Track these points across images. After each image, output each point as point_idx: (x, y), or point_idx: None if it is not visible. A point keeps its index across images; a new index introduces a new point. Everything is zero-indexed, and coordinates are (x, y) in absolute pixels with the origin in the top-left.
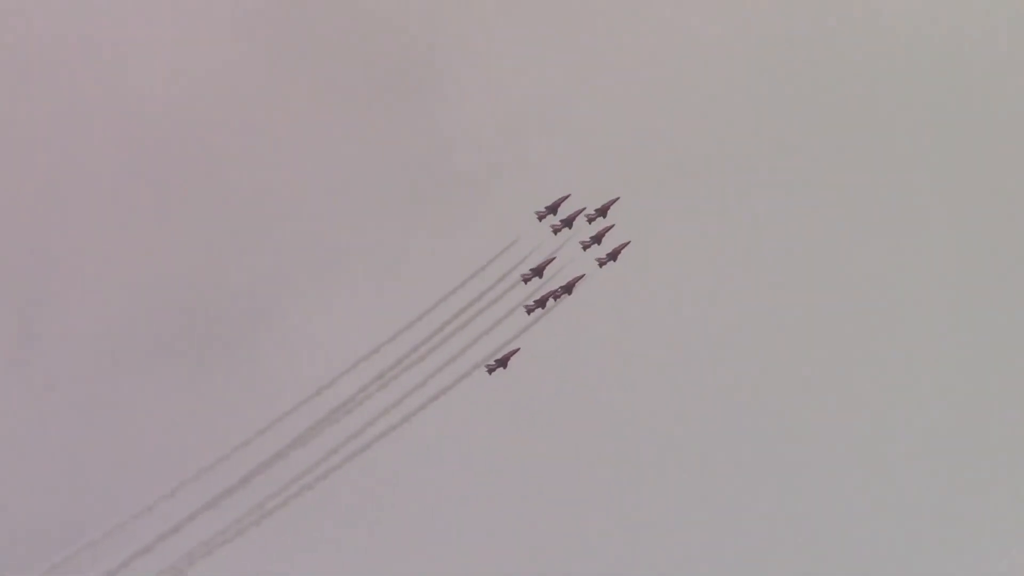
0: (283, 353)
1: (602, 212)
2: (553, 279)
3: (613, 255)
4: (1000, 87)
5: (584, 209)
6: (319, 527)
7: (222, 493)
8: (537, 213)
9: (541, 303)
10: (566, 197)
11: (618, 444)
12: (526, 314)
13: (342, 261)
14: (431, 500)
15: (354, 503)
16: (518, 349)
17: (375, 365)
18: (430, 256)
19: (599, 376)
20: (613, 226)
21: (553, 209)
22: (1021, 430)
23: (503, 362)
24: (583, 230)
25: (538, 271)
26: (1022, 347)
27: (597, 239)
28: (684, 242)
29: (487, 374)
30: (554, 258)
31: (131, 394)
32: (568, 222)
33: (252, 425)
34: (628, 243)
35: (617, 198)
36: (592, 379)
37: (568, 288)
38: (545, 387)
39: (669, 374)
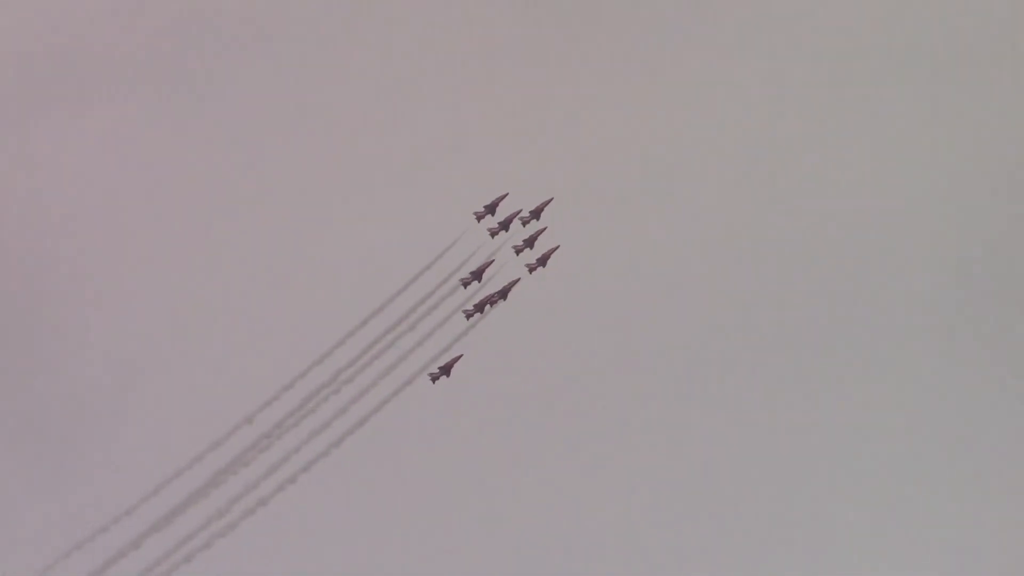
0: (216, 369)
1: (535, 214)
2: (490, 283)
3: (543, 260)
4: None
5: (520, 212)
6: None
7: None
8: (476, 213)
9: (479, 308)
10: (504, 196)
11: (565, 444)
12: (465, 319)
13: (272, 264)
14: (384, 511)
15: (301, 522)
16: (461, 355)
17: (319, 373)
18: (366, 254)
19: (538, 380)
20: (545, 228)
21: (492, 209)
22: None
23: (446, 369)
24: (517, 232)
25: (477, 275)
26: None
27: (530, 243)
28: (616, 244)
29: (431, 383)
30: (492, 261)
31: None
32: (505, 224)
33: (184, 453)
34: (557, 247)
35: (550, 199)
36: (531, 383)
37: (504, 293)
38: (489, 393)
39: (604, 375)
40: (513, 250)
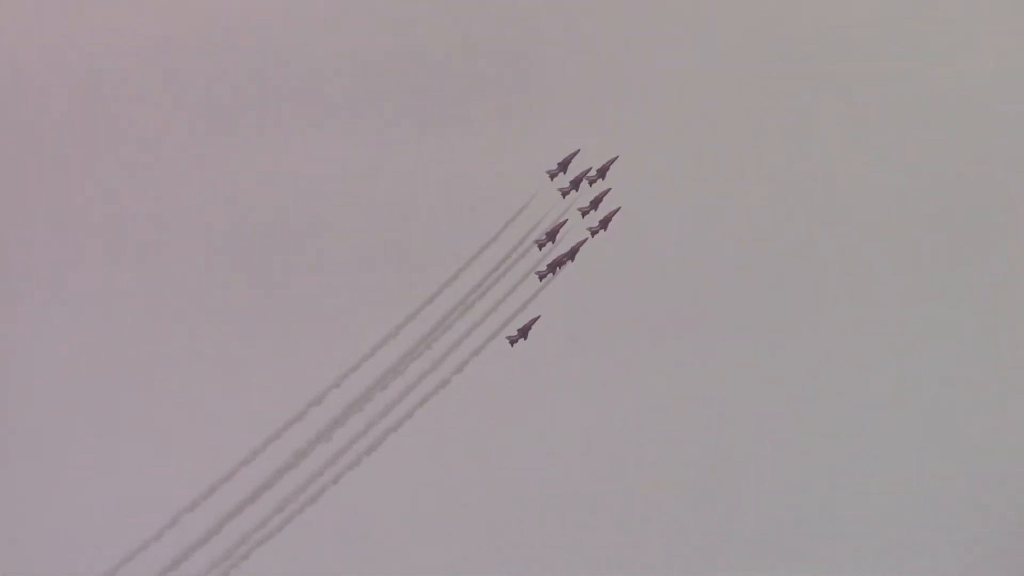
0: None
1: (602, 173)
2: (561, 243)
3: (604, 223)
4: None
5: (589, 170)
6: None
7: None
8: (549, 172)
9: (552, 268)
10: (576, 153)
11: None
12: (538, 280)
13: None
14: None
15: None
16: (539, 317)
17: (394, 350)
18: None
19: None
20: (610, 190)
21: (564, 166)
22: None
23: (524, 332)
24: (585, 192)
25: (551, 235)
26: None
27: (595, 204)
28: (681, 207)
29: (509, 346)
30: (566, 220)
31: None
32: (576, 183)
33: (264, 426)
34: (618, 209)
35: (615, 157)
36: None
37: (572, 254)
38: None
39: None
40: (579, 212)
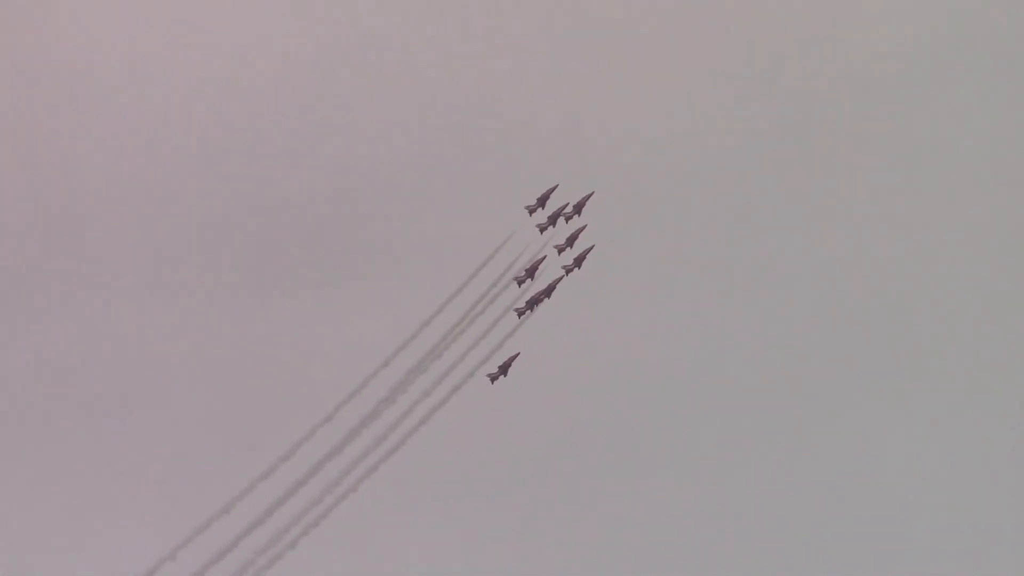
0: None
1: (578, 209)
2: (540, 279)
3: (579, 261)
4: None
5: (566, 206)
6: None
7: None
8: (528, 207)
9: (531, 305)
10: (554, 188)
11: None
12: (517, 317)
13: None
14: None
15: (370, 523)
16: (518, 354)
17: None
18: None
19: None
20: (586, 227)
21: (543, 202)
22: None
23: (504, 369)
24: (561, 228)
25: (531, 272)
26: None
27: (570, 242)
28: (656, 244)
29: (489, 383)
30: (544, 257)
31: None
32: (553, 219)
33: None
34: (592, 248)
35: (591, 193)
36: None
37: (549, 291)
38: (546, 391)
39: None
40: (555, 249)
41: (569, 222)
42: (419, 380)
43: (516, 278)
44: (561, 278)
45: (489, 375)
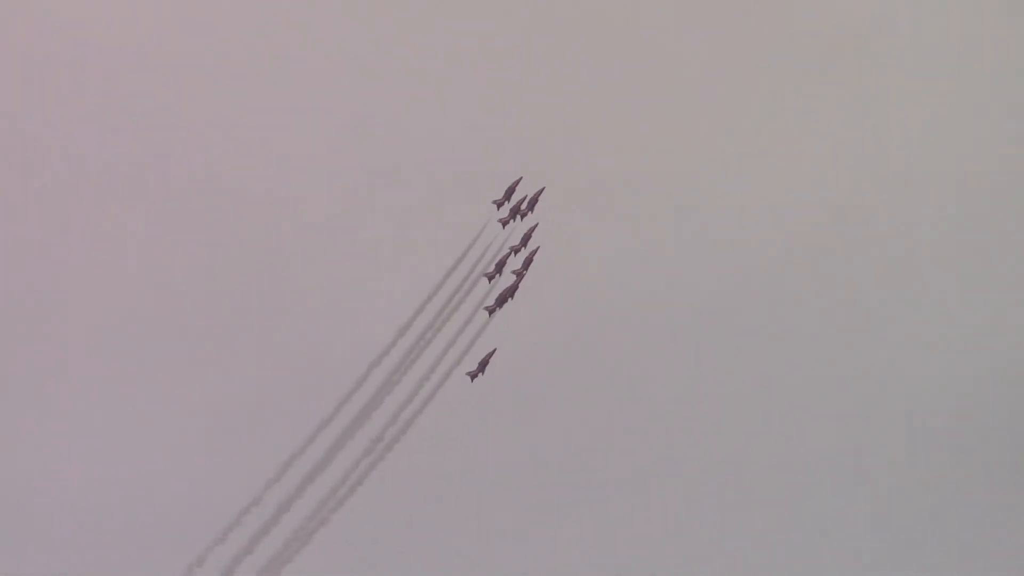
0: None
1: (531, 205)
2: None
3: (526, 264)
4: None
5: (524, 199)
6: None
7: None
8: (495, 201)
9: (500, 303)
10: (519, 180)
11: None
12: (488, 315)
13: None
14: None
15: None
16: (495, 350)
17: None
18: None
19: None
20: (537, 225)
21: (508, 195)
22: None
23: (483, 366)
24: (518, 226)
25: (499, 267)
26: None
27: (524, 241)
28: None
29: (470, 381)
30: (510, 252)
31: None
32: (514, 213)
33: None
34: (537, 249)
35: (543, 188)
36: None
37: (512, 291)
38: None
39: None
40: (511, 251)
41: (524, 219)
42: (397, 388)
43: (485, 274)
44: (516, 284)
45: (468, 373)
